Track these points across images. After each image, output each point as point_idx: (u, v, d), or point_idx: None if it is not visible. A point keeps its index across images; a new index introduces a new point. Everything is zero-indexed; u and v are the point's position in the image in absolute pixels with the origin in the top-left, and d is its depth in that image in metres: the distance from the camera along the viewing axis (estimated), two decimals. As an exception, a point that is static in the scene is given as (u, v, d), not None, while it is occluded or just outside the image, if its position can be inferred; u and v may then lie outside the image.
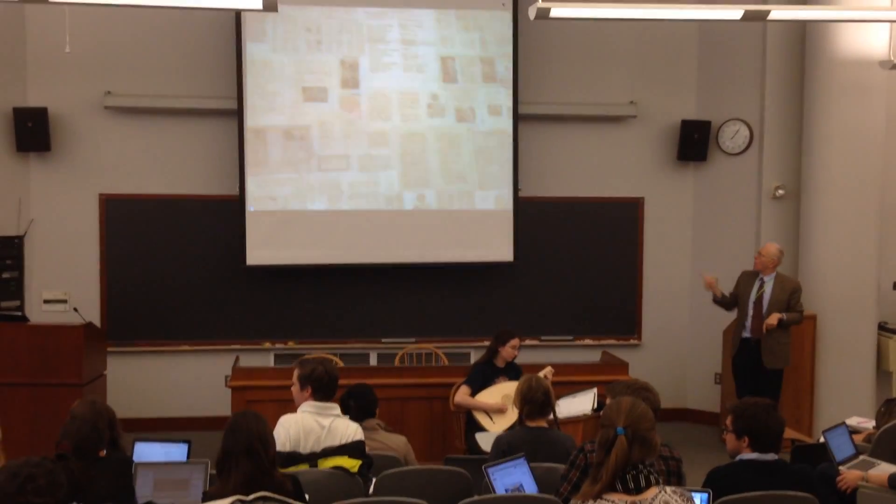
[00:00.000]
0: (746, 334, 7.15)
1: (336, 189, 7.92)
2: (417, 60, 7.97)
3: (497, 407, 6.07)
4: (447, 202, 8.07)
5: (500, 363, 6.35)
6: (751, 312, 7.13)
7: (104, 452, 3.85)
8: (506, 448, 4.46)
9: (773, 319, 6.96)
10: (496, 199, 8.13)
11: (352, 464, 4.13)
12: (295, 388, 4.46)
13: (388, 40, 7.93)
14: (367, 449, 4.55)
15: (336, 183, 7.92)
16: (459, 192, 8.10)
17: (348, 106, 7.91)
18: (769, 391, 6.74)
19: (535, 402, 4.55)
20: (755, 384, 6.94)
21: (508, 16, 8.02)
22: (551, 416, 4.80)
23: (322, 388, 4.37)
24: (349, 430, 4.30)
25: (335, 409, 4.38)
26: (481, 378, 6.28)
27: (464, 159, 8.07)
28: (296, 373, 4.47)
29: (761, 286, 7.14)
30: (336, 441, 4.25)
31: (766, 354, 7.05)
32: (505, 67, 8.05)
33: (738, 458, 3.89)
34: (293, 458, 4.17)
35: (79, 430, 3.75)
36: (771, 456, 3.85)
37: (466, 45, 8.02)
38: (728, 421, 3.96)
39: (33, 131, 7.69)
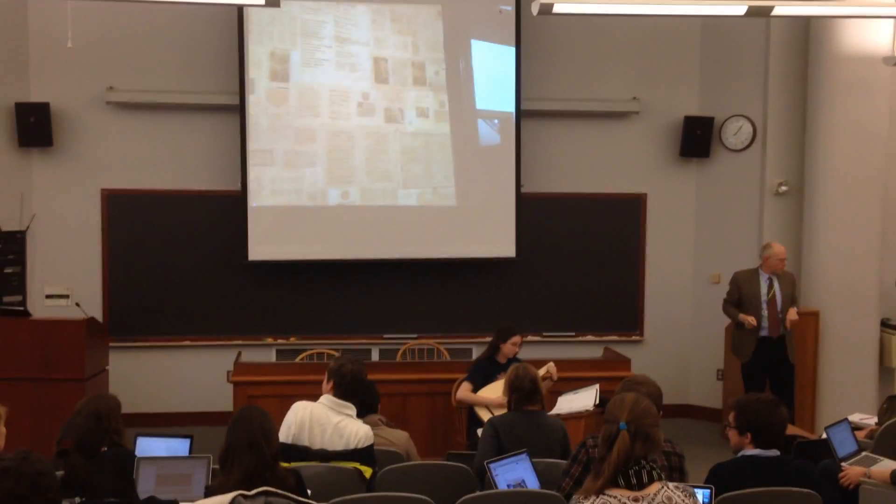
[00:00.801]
0: (764, 333, 7.12)
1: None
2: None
3: (499, 402, 6.05)
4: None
5: (501, 360, 6.35)
6: (766, 312, 7.13)
7: (104, 448, 3.84)
8: (498, 426, 4.55)
9: (794, 314, 7.05)
10: (495, 191, 8.12)
11: (364, 469, 4.17)
12: (324, 380, 4.53)
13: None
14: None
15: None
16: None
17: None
18: (791, 384, 7.05)
19: (523, 391, 4.64)
20: (778, 381, 7.03)
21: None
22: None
23: (342, 384, 4.41)
24: (360, 432, 4.31)
25: (350, 409, 4.41)
26: (483, 374, 6.28)
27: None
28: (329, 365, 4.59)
29: (771, 285, 7.14)
30: (342, 440, 4.27)
31: (790, 350, 7.14)
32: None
33: (740, 454, 3.89)
34: (303, 452, 4.18)
35: (80, 426, 3.75)
36: (773, 452, 3.85)
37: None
38: (731, 417, 3.96)
39: (35, 126, 7.68)
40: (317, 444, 4.27)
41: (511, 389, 4.69)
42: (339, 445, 4.26)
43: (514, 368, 4.78)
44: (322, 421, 4.30)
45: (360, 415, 4.66)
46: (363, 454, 4.22)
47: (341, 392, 4.40)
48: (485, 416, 6.07)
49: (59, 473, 3.27)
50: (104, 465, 3.71)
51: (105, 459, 3.77)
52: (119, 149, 7.98)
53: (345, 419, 4.34)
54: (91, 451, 3.71)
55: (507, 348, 6.34)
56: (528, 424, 4.58)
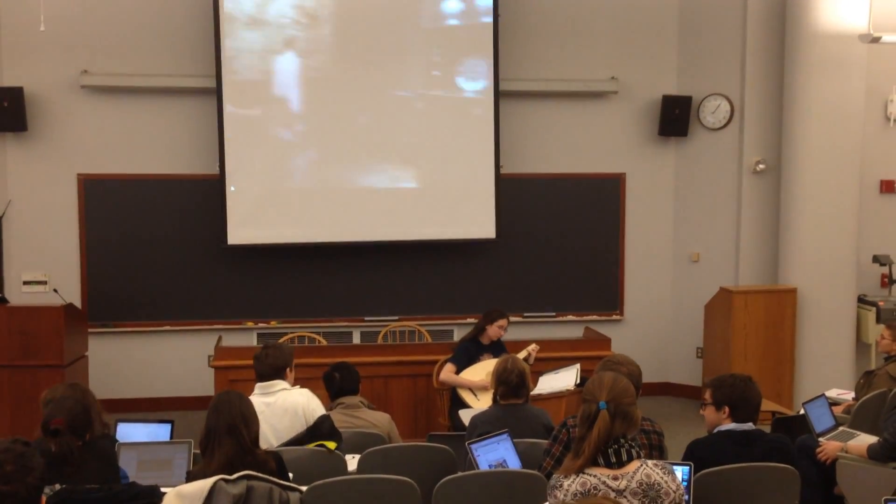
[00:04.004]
0: None
1: (315, 159, 7.93)
2: None
3: (481, 384, 6.08)
4: (427, 173, 8.08)
5: (485, 341, 6.36)
6: None
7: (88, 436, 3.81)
8: (481, 429, 4.48)
9: None
10: (474, 172, 8.13)
11: (328, 444, 4.18)
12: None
13: None
14: (350, 427, 4.58)
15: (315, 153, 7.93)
16: (439, 160, 8.09)
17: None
18: None
19: (510, 384, 4.55)
20: None
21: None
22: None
23: (260, 371, 4.48)
24: (300, 399, 4.38)
25: (278, 384, 4.45)
26: (466, 355, 6.29)
27: (443, 130, 8.07)
28: None
29: None
30: (286, 415, 4.32)
31: None
32: (485, 41, 8.01)
33: (716, 429, 3.93)
34: None
35: (71, 408, 3.69)
36: (748, 426, 3.90)
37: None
38: (707, 394, 4.00)
39: (9, 111, 7.59)
40: (268, 437, 4.29)
41: (498, 381, 4.59)
42: (297, 425, 4.30)
43: (503, 360, 4.66)
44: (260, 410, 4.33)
45: (340, 396, 4.71)
46: (324, 428, 4.25)
47: (260, 378, 4.46)
48: (467, 397, 6.10)
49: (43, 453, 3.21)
50: (88, 452, 3.68)
51: (92, 445, 3.73)
52: (95, 133, 7.90)
53: (278, 394, 4.39)
54: (81, 432, 3.64)
55: (493, 331, 6.35)
56: (509, 418, 4.46)
